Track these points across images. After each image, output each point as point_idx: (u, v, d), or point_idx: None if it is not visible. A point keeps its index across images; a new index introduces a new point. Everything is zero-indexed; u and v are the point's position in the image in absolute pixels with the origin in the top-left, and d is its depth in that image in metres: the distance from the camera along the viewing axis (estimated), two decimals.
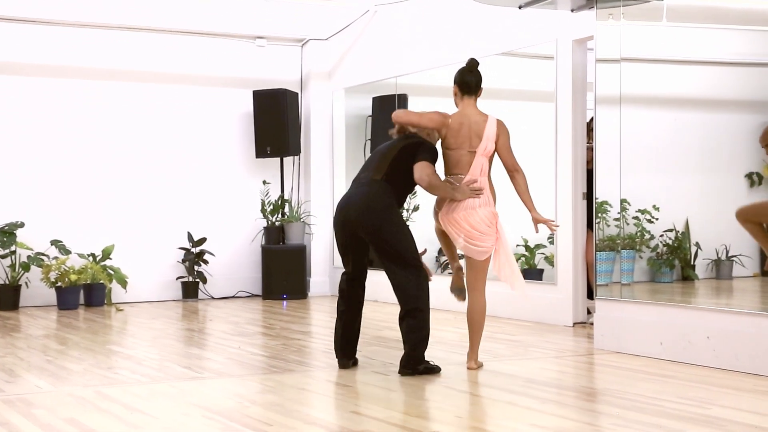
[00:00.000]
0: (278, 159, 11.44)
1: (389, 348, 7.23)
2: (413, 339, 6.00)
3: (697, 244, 6.90)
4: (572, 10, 7.77)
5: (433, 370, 5.99)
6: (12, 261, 10.15)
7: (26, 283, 10.26)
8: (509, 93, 9.61)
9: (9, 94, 10.46)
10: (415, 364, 5.94)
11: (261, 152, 11.27)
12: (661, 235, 7.02)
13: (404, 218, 7.82)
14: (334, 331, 6.30)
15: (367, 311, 9.66)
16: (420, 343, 6.01)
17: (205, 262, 11.02)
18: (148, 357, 6.82)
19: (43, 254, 10.20)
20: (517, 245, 9.20)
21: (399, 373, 5.95)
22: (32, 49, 10.51)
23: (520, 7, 7.70)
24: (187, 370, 6.29)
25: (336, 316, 6.31)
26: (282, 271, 11.08)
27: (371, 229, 6.02)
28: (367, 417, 4.73)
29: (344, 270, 6.32)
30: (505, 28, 8.93)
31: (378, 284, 10.70)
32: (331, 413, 5.03)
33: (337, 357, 6.24)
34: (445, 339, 7.60)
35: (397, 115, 6.36)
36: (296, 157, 11.65)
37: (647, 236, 7.04)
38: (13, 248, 10.08)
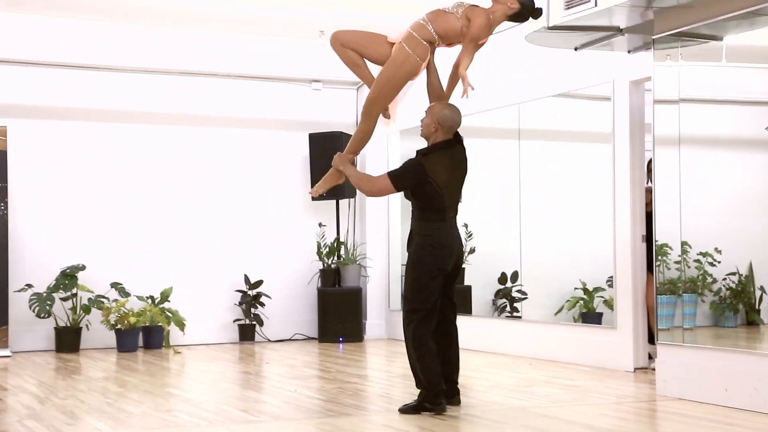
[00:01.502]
0: (334, 201, 11.46)
1: None
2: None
3: (762, 288, 6.73)
4: (629, 51, 7.71)
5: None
6: (73, 303, 10.25)
7: (87, 325, 10.36)
8: (565, 134, 9.54)
9: (70, 140, 10.64)
10: None
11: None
12: (724, 279, 6.86)
13: None
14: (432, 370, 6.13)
15: None
16: None
17: (262, 304, 11.04)
18: (206, 400, 6.81)
19: (103, 297, 10.30)
20: (576, 288, 9.08)
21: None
22: (93, 95, 10.70)
23: (576, 49, 7.67)
24: (244, 413, 6.27)
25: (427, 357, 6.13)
26: (338, 313, 11.05)
27: (410, 256, 6.26)
28: None
29: (432, 317, 6.19)
30: (561, 69, 8.87)
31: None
32: None
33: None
34: (503, 383, 7.49)
35: None
36: (352, 200, 11.66)
37: (709, 279, 6.90)
38: (74, 291, 10.19)
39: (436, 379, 6.01)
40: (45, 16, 10.07)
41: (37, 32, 10.31)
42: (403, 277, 6.36)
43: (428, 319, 6.14)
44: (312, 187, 6.11)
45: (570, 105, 9.19)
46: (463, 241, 10.54)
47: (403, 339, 6.24)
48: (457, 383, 6.29)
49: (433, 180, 6.16)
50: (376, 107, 6.42)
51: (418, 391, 6.10)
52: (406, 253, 6.33)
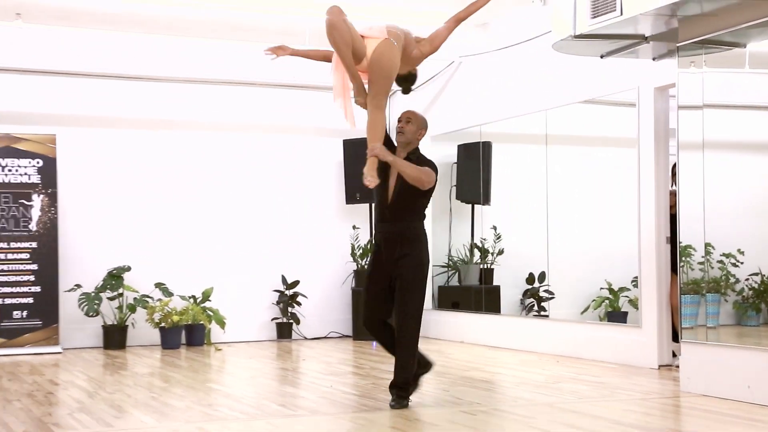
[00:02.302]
0: (367, 204, 11.46)
1: (475, 388, 7.13)
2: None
3: None
4: (654, 59, 7.67)
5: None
6: (120, 303, 10.33)
7: (132, 323, 10.43)
8: (592, 140, 9.50)
9: (116, 147, 10.72)
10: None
11: (351, 198, 11.32)
12: (747, 279, 6.80)
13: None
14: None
15: (453, 350, 9.60)
16: None
17: (299, 303, 11.07)
18: (246, 395, 6.83)
19: (147, 296, 10.36)
20: (601, 288, 9.04)
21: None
22: (137, 104, 10.77)
23: (602, 57, 7.63)
24: (282, 408, 6.30)
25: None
26: None
27: (406, 258, 6.22)
28: None
29: (365, 315, 6.34)
30: (588, 76, 8.83)
31: (463, 326, 10.63)
32: None
33: None
34: (531, 380, 7.46)
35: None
36: None
37: (732, 280, 6.84)
38: (120, 291, 10.27)
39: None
40: (90, 30, 10.16)
41: (83, 45, 10.40)
42: (406, 279, 6.13)
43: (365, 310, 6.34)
44: (365, 178, 6.03)
45: (596, 111, 9.14)
46: (490, 243, 10.65)
47: (410, 337, 6.17)
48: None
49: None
50: (384, 98, 6.34)
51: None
52: (403, 253, 6.16)
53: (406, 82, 6.54)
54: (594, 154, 9.51)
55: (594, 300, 9.10)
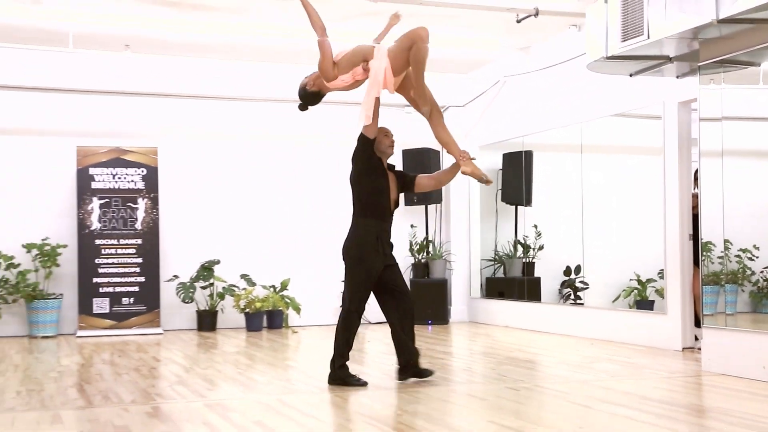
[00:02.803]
0: (423, 206, 11.48)
1: (519, 367, 7.10)
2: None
3: None
4: (677, 77, 7.57)
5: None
6: (211, 291, 10.48)
7: (221, 309, 10.57)
8: (622, 149, 9.40)
9: (209, 157, 10.87)
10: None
11: (409, 201, 11.35)
12: (762, 271, 6.69)
13: None
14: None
15: (499, 334, 9.58)
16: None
17: None
18: (318, 371, 6.86)
19: (234, 286, 10.50)
20: (631, 279, 8.94)
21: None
22: (226, 120, 10.91)
23: (631, 75, 7.56)
24: None
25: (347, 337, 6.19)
26: (427, 300, 11.06)
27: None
28: (500, 426, 4.65)
29: (359, 306, 6.20)
30: (618, 93, 8.75)
31: (508, 312, 10.59)
32: (469, 422, 4.97)
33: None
34: (568, 360, 7.42)
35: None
36: (438, 205, 11.66)
37: (748, 272, 6.73)
38: (211, 281, 10.42)
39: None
40: (184, 58, 10.31)
41: (180, 72, 10.55)
42: (396, 271, 6.31)
43: (359, 302, 6.29)
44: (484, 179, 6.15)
45: (626, 123, 9.05)
46: (532, 240, 10.60)
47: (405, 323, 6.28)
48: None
49: None
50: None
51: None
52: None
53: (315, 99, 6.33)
54: (624, 161, 9.41)
55: (624, 290, 9.01)
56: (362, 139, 6.17)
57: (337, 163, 11.36)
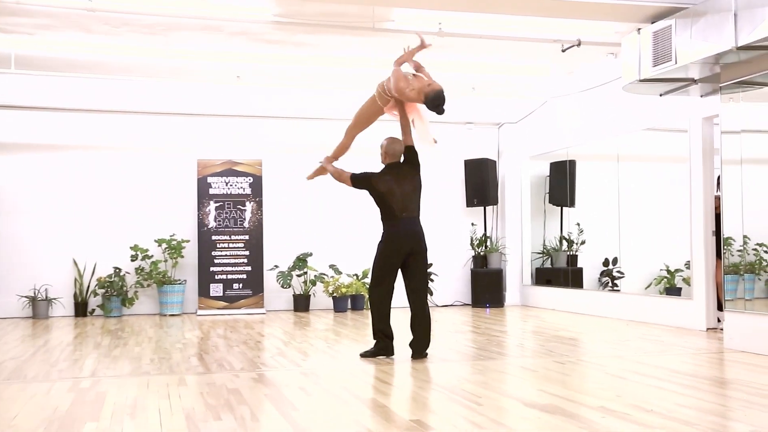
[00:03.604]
0: (482, 207, 11.42)
1: (564, 344, 7.02)
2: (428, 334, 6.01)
3: None
4: (701, 96, 7.38)
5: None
6: (305, 279, 10.61)
7: (313, 293, 10.69)
8: (653, 158, 9.20)
9: (301, 168, 10.98)
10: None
11: (470, 202, 11.31)
12: None
13: None
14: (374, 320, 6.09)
15: (547, 316, 9.47)
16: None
17: (432, 280, 11.11)
18: (395, 346, 6.90)
19: (324, 274, 10.60)
20: (661, 269, 8.74)
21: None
22: (314, 138, 11.03)
23: (660, 95, 7.40)
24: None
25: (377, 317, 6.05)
26: (485, 286, 11.00)
27: (425, 253, 6.01)
28: (549, 394, 4.62)
29: (382, 287, 5.98)
30: (649, 110, 8.57)
31: (554, 297, 10.46)
32: (522, 390, 4.94)
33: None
34: (607, 338, 7.30)
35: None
36: (495, 206, 11.59)
37: (765, 263, 6.51)
38: (305, 270, 10.55)
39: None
40: (284, 86, 10.43)
41: (283, 97, 10.67)
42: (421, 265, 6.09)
43: (380, 286, 6.00)
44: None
45: (656, 136, 8.85)
46: (575, 236, 10.43)
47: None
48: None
49: (378, 190, 6.09)
50: (355, 130, 6.35)
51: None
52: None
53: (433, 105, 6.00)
54: (655, 169, 9.21)
55: (655, 278, 8.81)
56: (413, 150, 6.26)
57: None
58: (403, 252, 5.97)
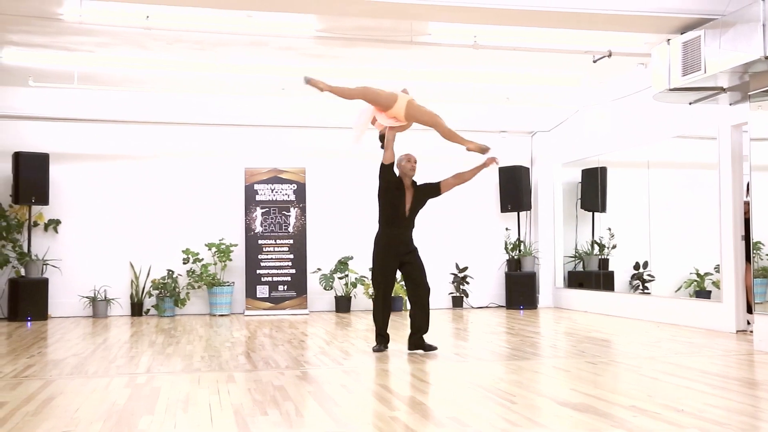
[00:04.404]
0: (516, 213, 11.35)
1: (596, 345, 6.93)
2: (426, 323, 6.27)
3: None
4: (730, 104, 7.25)
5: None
6: (346, 281, 10.63)
7: (354, 295, 10.71)
8: (682, 164, 9.04)
9: (344, 176, 11.03)
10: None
11: (504, 208, 11.24)
12: None
13: None
14: (377, 321, 6.36)
15: (579, 318, 9.36)
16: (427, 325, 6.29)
17: (467, 283, 11.07)
18: (430, 345, 6.90)
19: (364, 276, 10.60)
20: (691, 273, 8.58)
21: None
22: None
23: (690, 104, 7.28)
24: (457, 356, 6.32)
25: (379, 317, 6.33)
26: (519, 289, 10.92)
27: (415, 252, 6.36)
28: (581, 393, 4.57)
29: (382, 290, 6.28)
30: (679, 118, 8.43)
31: (586, 300, 10.33)
32: (556, 389, 4.90)
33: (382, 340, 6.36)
34: (638, 340, 7.19)
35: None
36: (528, 212, 11.50)
37: None
38: (346, 273, 10.57)
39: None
40: (328, 96, 10.49)
41: (326, 107, 10.70)
42: (415, 265, 6.48)
43: (380, 289, 6.30)
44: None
45: (686, 144, 8.70)
46: (606, 240, 10.30)
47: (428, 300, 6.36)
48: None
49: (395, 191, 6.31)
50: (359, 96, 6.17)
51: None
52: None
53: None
54: (685, 175, 9.06)
55: (685, 281, 8.65)
56: (381, 165, 6.34)
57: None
58: (400, 254, 6.32)
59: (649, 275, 9.33)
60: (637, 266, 9.54)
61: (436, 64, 8.77)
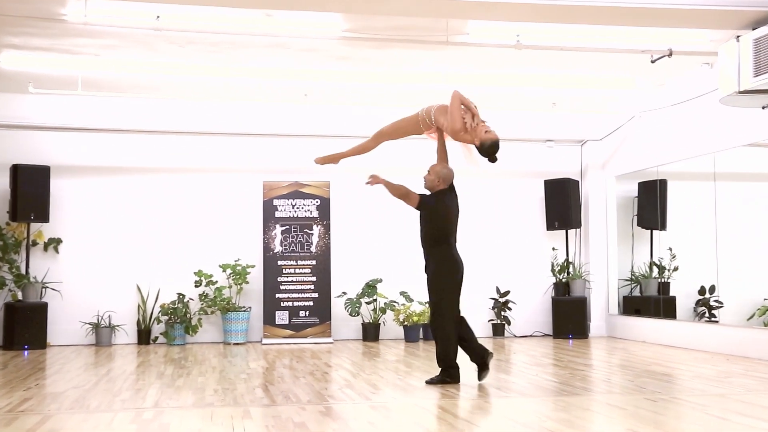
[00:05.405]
0: (564, 231, 11.24)
1: (656, 379, 6.80)
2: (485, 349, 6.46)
3: None
4: None
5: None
6: (374, 306, 10.62)
7: (383, 322, 10.68)
8: (755, 176, 8.90)
9: (370, 191, 11.03)
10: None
11: (551, 225, 11.15)
12: None
13: None
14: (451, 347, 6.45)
15: (636, 349, 9.21)
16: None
17: (509, 309, 10.98)
18: (470, 380, 6.81)
19: (394, 301, 10.58)
20: (765, 299, 8.41)
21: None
22: (390, 158, 11.07)
23: (763, 108, 7.16)
24: (498, 390, 6.26)
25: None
26: (568, 316, 10.80)
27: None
28: None
29: (453, 312, 6.56)
30: (750, 124, 8.29)
31: (644, 328, 10.17)
32: (610, 430, 4.80)
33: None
34: (704, 374, 7.04)
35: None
36: (578, 229, 11.38)
37: None
38: (374, 297, 10.55)
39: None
40: (352, 105, 10.52)
41: (351, 116, 10.72)
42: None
43: (452, 312, 6.54)
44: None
45: (759, 153, 8.56)
46: (667, 261, 10.16)
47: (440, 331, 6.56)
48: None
49: (439, 213, 6.56)
50: (386, 138, 6.76)
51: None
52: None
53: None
54: (757, 188, 8.90)
55: (759, 308, 8.48)
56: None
57: (489, 197, 11.30)
58: (461, 276, 6.58)
59: (716, 301, 9.17)
60: (702, 291, 9.39)
61: (474, 67, 8.77)
